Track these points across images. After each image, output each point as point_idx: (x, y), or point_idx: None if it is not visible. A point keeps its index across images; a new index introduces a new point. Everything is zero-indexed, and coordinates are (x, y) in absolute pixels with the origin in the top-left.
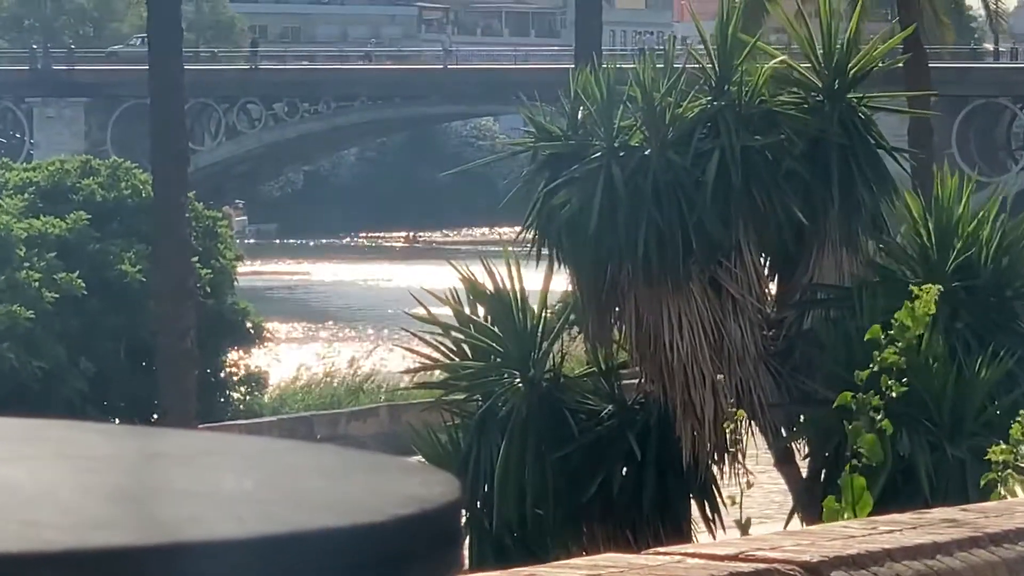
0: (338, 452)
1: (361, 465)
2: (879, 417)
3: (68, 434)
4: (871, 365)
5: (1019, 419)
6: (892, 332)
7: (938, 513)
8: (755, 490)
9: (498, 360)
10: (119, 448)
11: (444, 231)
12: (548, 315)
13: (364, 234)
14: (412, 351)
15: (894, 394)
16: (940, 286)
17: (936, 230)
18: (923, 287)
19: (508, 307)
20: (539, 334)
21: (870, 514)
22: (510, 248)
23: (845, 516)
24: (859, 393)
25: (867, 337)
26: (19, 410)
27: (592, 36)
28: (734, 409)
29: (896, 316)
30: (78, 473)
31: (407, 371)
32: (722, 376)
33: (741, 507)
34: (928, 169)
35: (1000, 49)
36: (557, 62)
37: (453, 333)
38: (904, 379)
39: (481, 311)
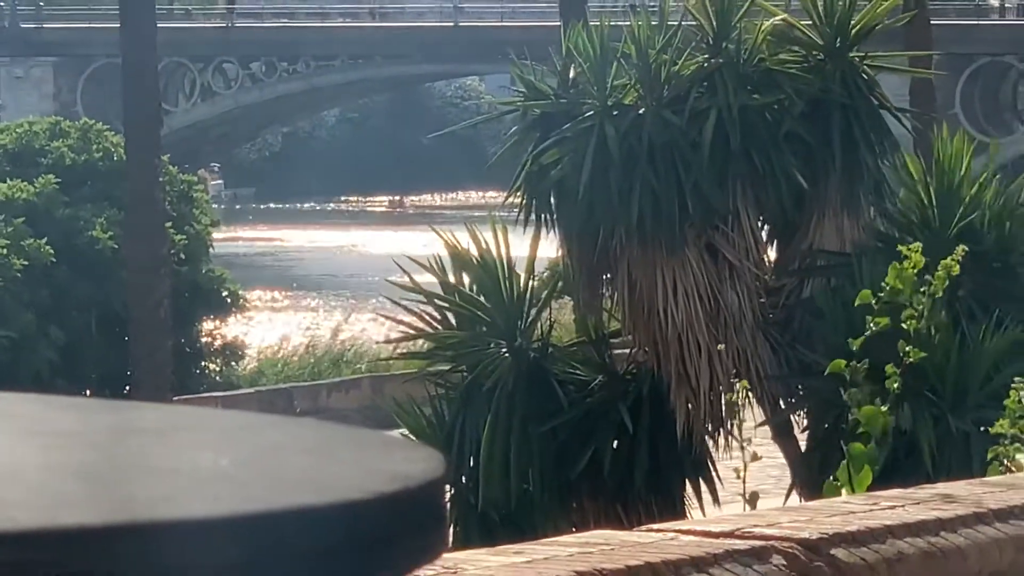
0: (318, 427)
1: (342, 440)
2: (895, 386)
3: (37, 409)
4: (866, 331)
5: (1014, 387)
6: (882, 295)
7: (941, 488)
8: (752, 464)
9: (483, 329)
10: (90, 423)
11: (429, 195)
12: (536, 282)
13: (345, 199)
14: (395, 320)
15: (911, 359)
16: (944, 258)
17: (937, 193)
18: (911, 247)
19: (493, 274)
20: (526, 302)
21: (870, 488)
22: (497, 213)
23: (844, 490)
24: (853, 361)
25: (857, 302)
26: None
27: None
28: (732, 379)
29: (887, 279)
30: (47, 450)
31: (389, 341)
32: (722, 346)
33: (744, 481)
34: (931, 130)
35: (1006, 5)
36: (545, 19)
37: (437, 302)
38: (907, 346)
39: (466, 279)
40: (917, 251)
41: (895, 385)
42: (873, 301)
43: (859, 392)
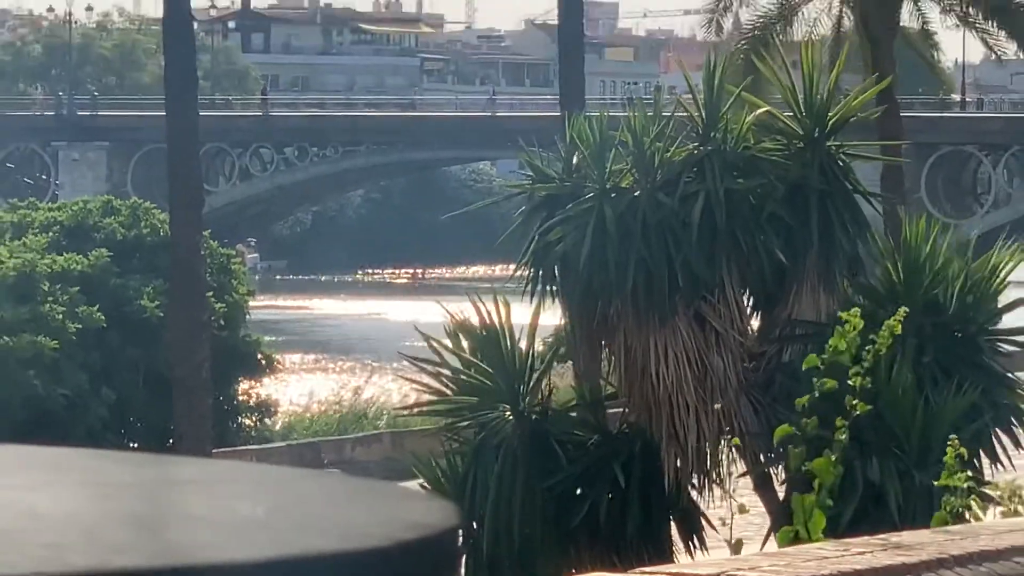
0: (343, 479)
1: (365, 492)
2: (843, 437)
3: (89, 462)
4: (812, 392)
5: (950, 445)
6: (824, 357)
7: (907, 536)
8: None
9: (490, 394)
10: (138, 475)
11: (444, 268)
12: (537, 349)
13: (369, 271)
14: (413, 381)
15: (857, 412)
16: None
17: (905, 269)
18: (850, 312)
19: (496, 343)
20: (528, 368)
21: (841, 536)
22: (506, 284)
23: (809, 537)
24: (804, 420)
25: (805, 366)
26: (44, 435)
27: (576, 85)
28: (720, 436)
29: (829, 343)
30: (99, 499)
31: (408, 406)
32: (719, 405)
33: (731, 529)
34: (899, 212)
35: (967, 99)
36: (550, 110)
37: (443, 370)
38: (866, 401)
39: (469, 346)
40: (856, 316)
41: (842, 437)
42: (819, 364)
43: (804, 451)
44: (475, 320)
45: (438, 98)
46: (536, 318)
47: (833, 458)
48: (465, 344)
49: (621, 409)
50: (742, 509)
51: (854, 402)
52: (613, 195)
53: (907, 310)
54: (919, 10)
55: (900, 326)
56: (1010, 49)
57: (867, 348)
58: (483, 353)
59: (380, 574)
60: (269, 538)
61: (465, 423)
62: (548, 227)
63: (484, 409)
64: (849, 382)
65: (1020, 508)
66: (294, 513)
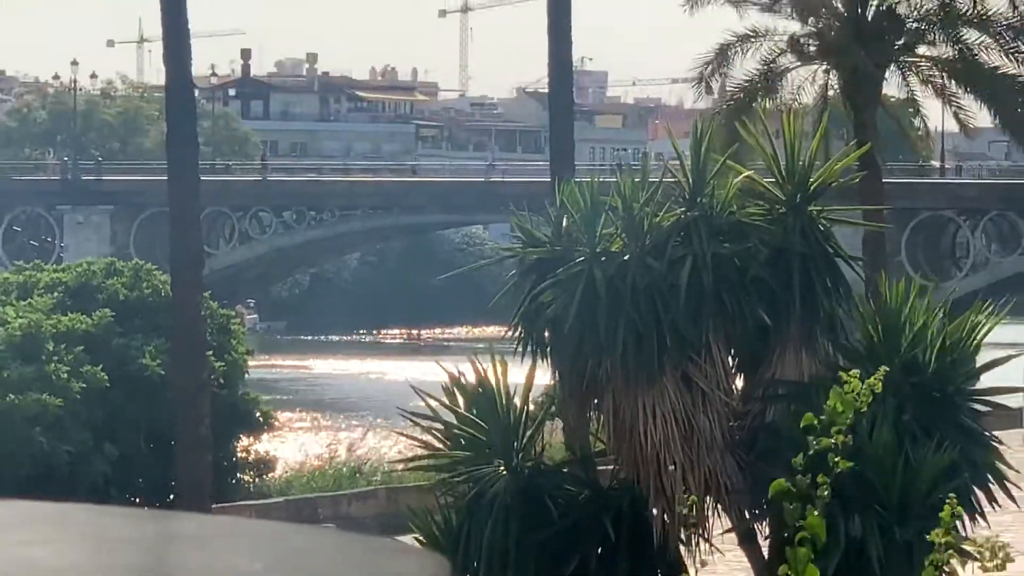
0: (339, 535)
1: (360, 547)
2: (826, 494)
3: (92, 517)
4: (808, 450)
5: (948, 503)
6: (823, 417)
7: None
8: (721, 568)
9: (484, 450)
10: (139, 530)
11: (439, 329)
12: (531, 407)
13: (365, 332)
14: (408, 437)
15: (839, 469)
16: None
17: (885, 330)
18: (851, 372)
19: (492, 400)
20: (522, 425)
21: None
22: (497, 345)
23: None
24: (797, 476)
25: (802, 424)
26: (48, 490)
27: (566, 151)
28: (706, 493)
29: (828, 402)
30: (101, 553)
31: (405, 459)
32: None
33: None
34: (879, 276)
35: (946, 166)
36: (542, 176)
37: (444, 423)
38: (848, 459)
39: (465, 403)
40: (856, 377)
41: (825, 493)
42: (816, 422)
43: (798, 507)
44: (471, 378)
45: (433, 164)
46: (531, 377)
47: (815, 513)
48: (461, 401)
49: (612, 465)
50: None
51: (836, 459)
52: (603, 259)
53: (887, 369)
54: (905, 82)
55: (880, 384)
56: (982, 119)
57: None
58: (479, 410)
59: None
60: None
61: (459, 478)
62: (539, 291)
63: (479, 464)
64: (832, 441)
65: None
66: (292, 568)
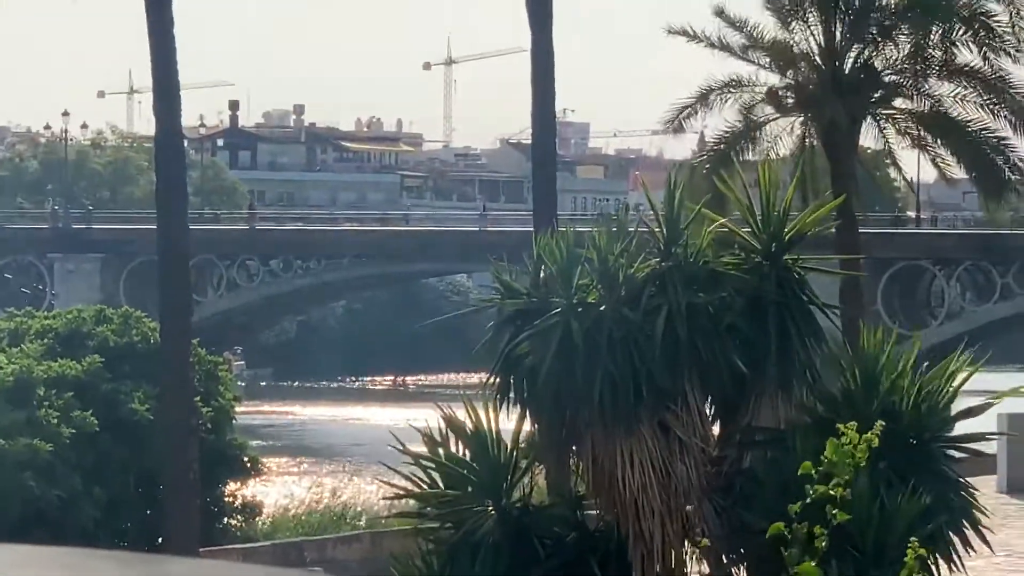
0: None
1: None
2: (823, 544)
3: (80, 560)
4: (807, 498)
5: (910, 547)
6: (822, 467)
7: None
8: None
9: (473, 490)
10: (127, 574)
11: (423, 375)
12: (519, 450)
13: (351, 378)
14: (391, 485)
15: (837, 520)
16: (866, 433)
17: (862, 379)
18: (847, 425)
19: (484, 443)
20: (511, 467)
21: None
22: (480, 392)
23: None
24: (793, 524)
25: (800, 472)
26: (38, 534)
27: (548, 201)
28: (684, 538)
29: (826, 453)
30: None
31: (390, 498)
32: (691, 507)
33: None
34: (856, 324)
35: (922, 216)
36: (525, 225)
37: (427, 465)
38: (839, 509)
39: (456, 446)
40: (852, 429)
41: (823, 544)
42: (814, 471)
43: (796, 552)
44: (459, 422)
45: (421, 213)
46: (520, 423)
47: (814, 564)
48: (452, 443)
49: (597, 510)
50: None
51: (834, 511)
52: (579, 309)
53: (883, 424)
54: (882, 134)
55: (876, 439)
56: (958, 171)
57: (847, 460)
58: (472, 452)
59: None
60: None
61: (443, 523)
62: (517, 341)
63: (468, 504)
64: (831, 492)
65: None
66: None
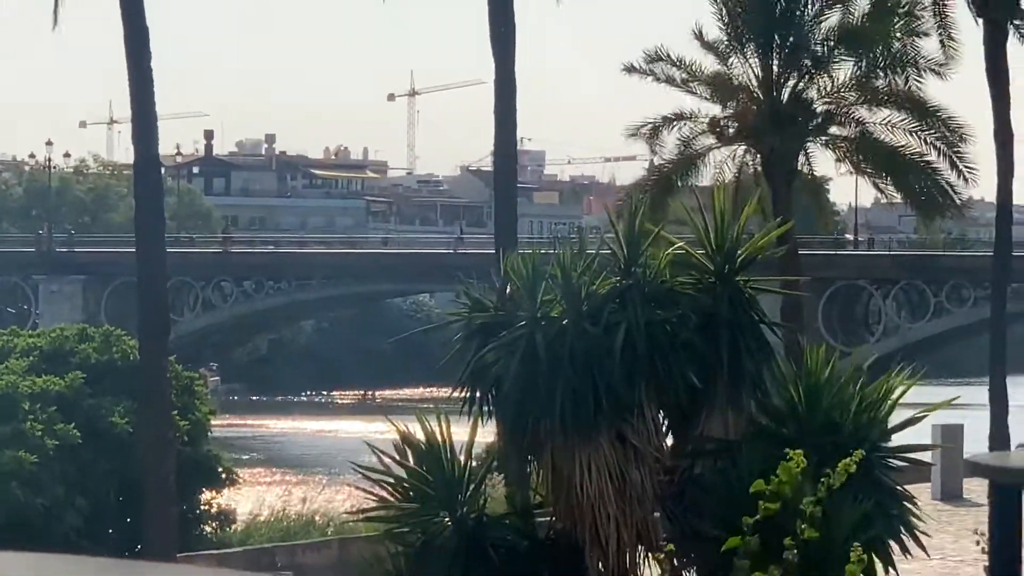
0: None
1: None
2: (791, 559)
3: (62, 567)
4: (756, 515)
5: (852, 551)
6: (771, 487)
7: None
8: None
9: (431, 502)
10: None
11: (388, 390)
12: (473, 463)
13: (320, 392)
14: (361, 489)
15: (805, 536)
16: (808, 445)
17: (805, 393)
18: (794, 451)
19: (438, 456)
20: (466, 479)
21: None
22: (444, 405)
23: None
24: (746, 536)
25: (752, 490)
26: (22, 541)
27: (510, 225)
28: (638, 543)
29: (780, 474)
30: None
31: (357, 511)
32: (657, 514)
33: None
34: (798, 341)
35: (859, 239)
36: (484, 248)
37: (386, 480)
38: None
39: (416, 459)
40: (800, 455)
41: (791, 557)
42: (766, 489)
43: (748, 562)
44: (420, 436)
45: (382, 235)
46: (474, 434)
47: (778, 573)
48: (410, 456)
49: (549, 517)
50: None
51: (803, 527)
52: (543, 323)
53: (863, 453)
54: (807, 162)
55: (855, 465)
56: (896, 195)
57: (822, 480)
58: (427, 465)
59: None
60: None
61: (407, 529)
62: (483, 353)
63: (426, 515)
64: (802, 507)
65: None
66: None
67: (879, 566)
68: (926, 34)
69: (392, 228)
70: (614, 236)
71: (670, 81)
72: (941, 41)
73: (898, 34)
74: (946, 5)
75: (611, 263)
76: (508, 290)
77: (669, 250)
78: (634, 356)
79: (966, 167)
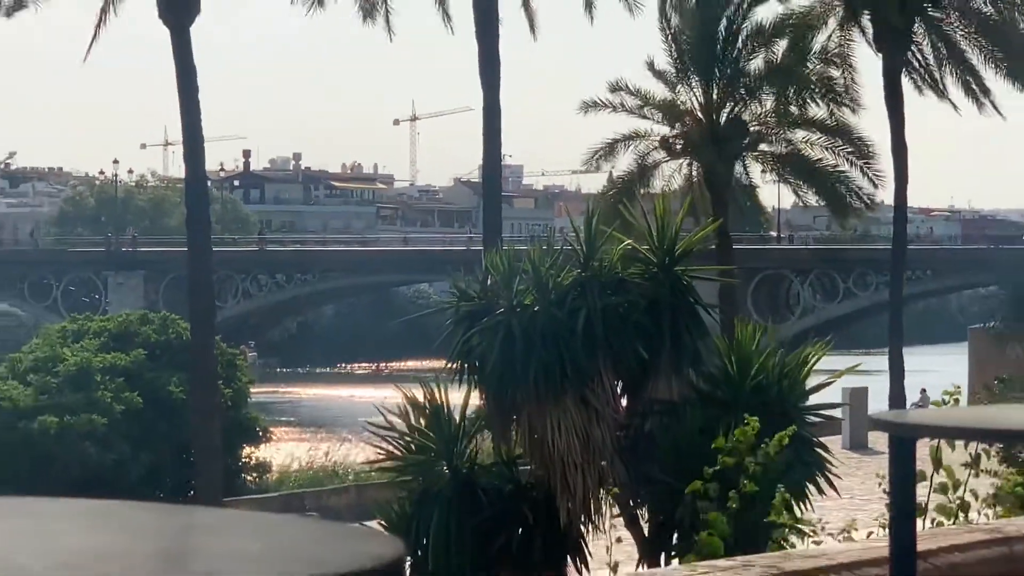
0: (320, 522)
1: (336, 532)
2: (734, 506)
3: (128, 511)
4: (700, 464)
5: (778, 493)
6: (730, 444)
7: (740, 560)
8: (613, 544)
9: (431, 454)
10: (167, 521)
11: (396, 363)
12: (466, 422)
13: (339, 365)
14: (373, 445)
15: (747, 490)
16: (740, 406)
17: (737, 362)
18: (750, 418)
19: (438, 416)
20: (460, 435)
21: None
22: (441, 375)
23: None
24: (706, 483)
25: (713, 446)
26: (95, 490)
27: (495, 226)
28: (600, 487)
29: (737, 434)
30: (137, 539)
31: (371, 461)
32: (603, 462)
33: (611, 554)
34: (731, 320)
35: (781, 235)
36: (474, 245)
37: (396, 436)
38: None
39: (421, 419)
40: (755, 421)
41: (734, 505)
42: (723, 446)
43: (709, 504)
44: (422, 400)
45: (389, 235)
46: (466, 400)
47: (724, 517)
48: (414, 416)
49: (528, 466)
50: (618, 540)
51: (745, 482)
52: (518, 310)
53: (795, 428)
54: (746, 172)
55: (788, 438)
56: (812, 198)
57: (762, 446)
58: (428, 423)
59: None
60: (265, 568)
61: (411, 476)
62: (469, 334)
63: (427, 464)
64: (745, 466)
65: (826, 539)
66: (283, 547)
67: (800, 504)
68: (837, 67)
69: (397, 229)
70: (575, 236)
71: (628, 111)
72: (843, 77)
73: (811, 69)
74: (851, 44)
75: (573, 258)
76: (489, 281)
77: (620, 247)
78: (593, 334)
79: (875, 174)
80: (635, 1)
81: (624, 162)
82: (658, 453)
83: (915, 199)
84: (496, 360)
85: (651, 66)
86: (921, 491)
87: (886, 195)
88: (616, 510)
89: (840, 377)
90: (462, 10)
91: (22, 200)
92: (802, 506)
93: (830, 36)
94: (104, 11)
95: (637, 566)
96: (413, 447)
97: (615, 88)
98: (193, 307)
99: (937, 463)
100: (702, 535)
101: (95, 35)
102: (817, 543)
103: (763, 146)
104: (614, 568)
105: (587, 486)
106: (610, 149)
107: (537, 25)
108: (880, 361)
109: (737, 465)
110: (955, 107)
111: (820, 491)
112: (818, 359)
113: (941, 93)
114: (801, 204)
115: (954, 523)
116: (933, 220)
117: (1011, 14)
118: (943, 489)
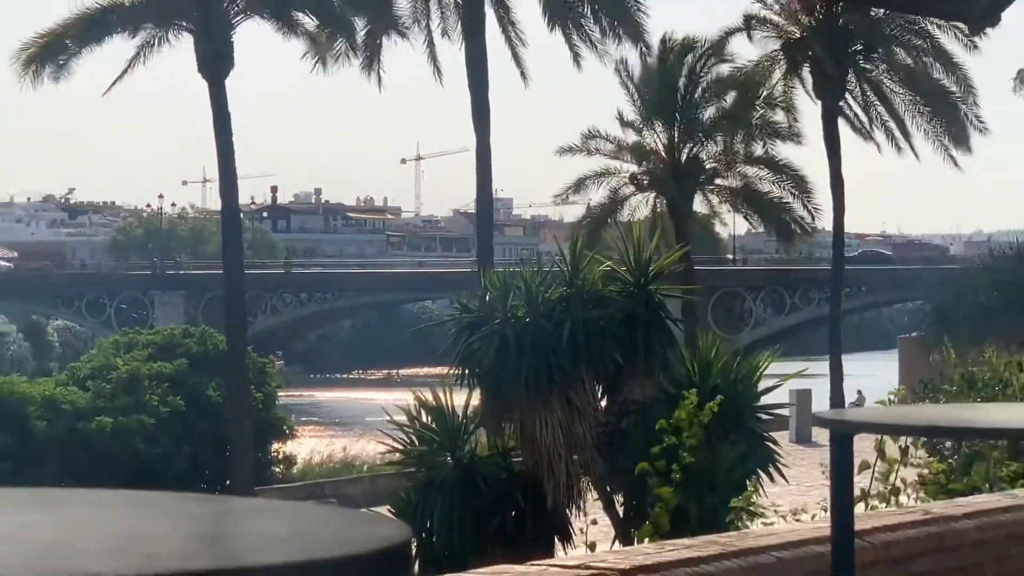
0: (339, 510)
1: (351, 517)
2: (677, 478)
3: (172, 500)
4: (663, 443)
5: (732, 480)
6: (672, 422)
7: (701, 539)
8: (591, 526)
9: (436, 447)
10: (206, 508)
11: (406, 369)
12: (466, 420)
13: (355, 371)
14: (385, 444)
15: (685, 461)
16: (704, 404)
17: (699, 368)
18: (689, 392)
19: (442, 414)
20: (462, 430)
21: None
22: (445, 379)
23: (648, 540)
24: (655, 462)
25: (657, 427)
26: (144, 482)
27: (488, 251)
28: (580, 476)
29: (677, 413)
30: (179, 524)
31: (384, 453)
32: (576, 456)
33: (587, 535)
34: (694, 331)
35: (736, 258)
36: (471, 267)
37: (407, 430)
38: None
39: (426, 417)
40: (692, 395)
41: (677, 476)
42: (668, 426)
43: (659, 480)
44: (428, 402)
45: (396, 259)
46: (468, 400)
47: (670, 489)
48: (422, 415)
49: (520, 458)
50: (593, 522)
51: (684, 455)
52: (512, 321)
53: (722, 397)
54: (708, 202)
55: (716, 406)
56: (761, 225)
57: (695, 419)
58: (434, 420)
59: (363, 572)
60: (291, 549)
61: (419, 467)
62: (470, 344)
63: (433, 456)
64: (685, 437)
65: (776, 520)
66: (306, 530)
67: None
68: (783, 111)
69: (404, 254)
70: (561, 259)
71: (601, 153)
72: (787, 121)
73: (759, 114)
74: (794, 91)
75: (559, 278)
76: (487, 298)
77: (600, 268)
78: (577, 343)
79: (813, 207)
80: (579, 57)
81: (597, 195)
82: (631, 447)
83: (852, 225)
84: (492, 365)
85: (620, 116)
86: (863, 479)
87: (826, 222)
88: (595, 495)
89: (787, 380)
90: (459, 62)
91: (80, 230)
92: (756, 491)
93: (775, 85)
94: (133, 62)
95: (611, 545)
96: (420, 441)
97: (589, 136)
98: (228, 322)
99: (882, 454)
100: (656, 507)
101: (119, 77)
102: (768, 524)
103: (719, 180)
104: (591, 547)
105: (570, 475)
106: (578, 186)
107: (528, 75)
108: (822, 366)
109: (680, 444)
110: (879, 148)
111: (771, 479)
112: (768, 365)
113: (867, 136)
114: (753, 230)
115: (886, 506)
116: (867, 243)
117: (923, 67)
118: (885, 477)
